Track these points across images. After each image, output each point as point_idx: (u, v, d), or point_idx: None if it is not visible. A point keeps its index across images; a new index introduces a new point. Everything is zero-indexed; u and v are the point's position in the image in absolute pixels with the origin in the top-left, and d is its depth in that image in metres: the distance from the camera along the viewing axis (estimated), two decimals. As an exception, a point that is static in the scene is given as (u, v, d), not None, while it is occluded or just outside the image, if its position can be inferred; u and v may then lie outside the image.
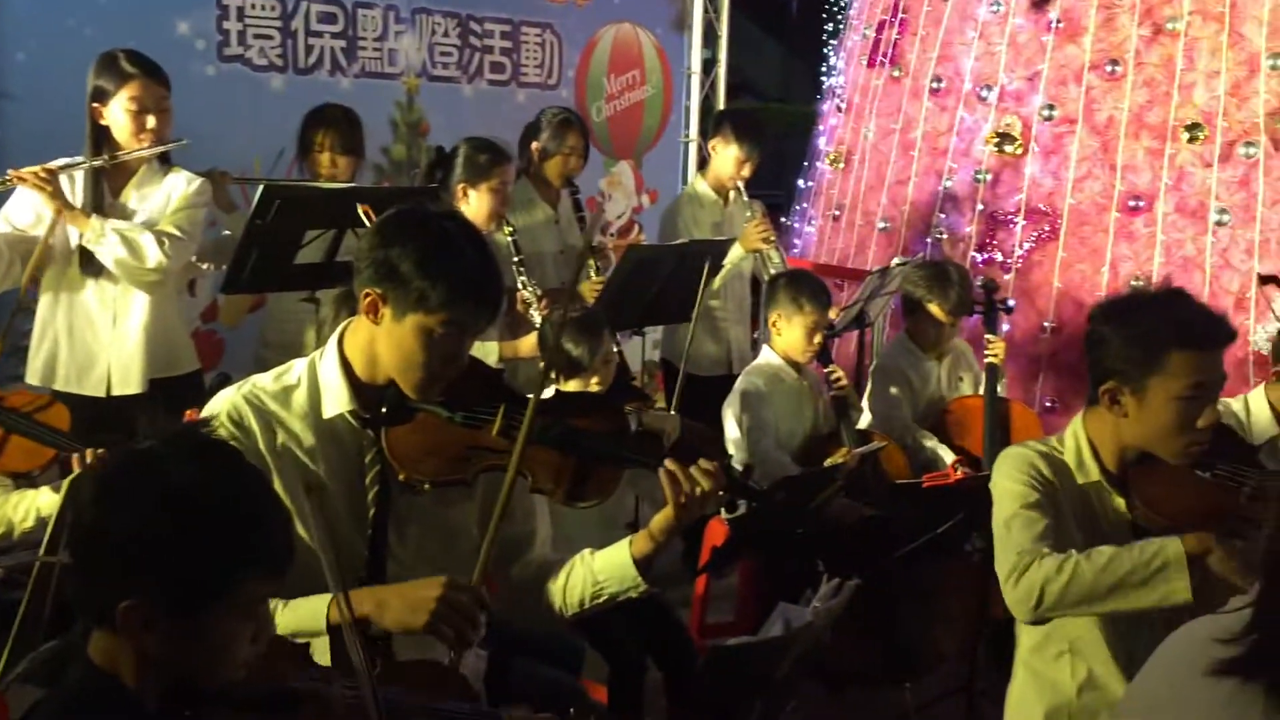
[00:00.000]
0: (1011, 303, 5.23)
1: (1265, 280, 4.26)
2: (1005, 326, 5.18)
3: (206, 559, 1.45)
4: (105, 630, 1.48)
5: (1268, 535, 1.59)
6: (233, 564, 1.47)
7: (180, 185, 3.68)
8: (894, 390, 4.32)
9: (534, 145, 4.61)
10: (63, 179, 3.50)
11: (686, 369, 3.94)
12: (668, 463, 2.07)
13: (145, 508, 1.45)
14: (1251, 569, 1.88)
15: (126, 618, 1.44)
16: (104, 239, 3.47)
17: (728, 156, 4.92)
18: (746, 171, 4.93)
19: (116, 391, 3.65)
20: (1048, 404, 5.20)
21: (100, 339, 3.65)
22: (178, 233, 3.58)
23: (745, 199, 4.98)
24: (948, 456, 4.09)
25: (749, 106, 13.88)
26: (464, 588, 1.98)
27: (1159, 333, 2.25)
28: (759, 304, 5.38)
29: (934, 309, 4.24)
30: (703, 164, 7.06)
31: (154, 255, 3.51)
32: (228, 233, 4.09)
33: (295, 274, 3.67)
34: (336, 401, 2.13)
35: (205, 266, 4.05)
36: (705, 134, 7.11)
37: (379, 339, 2.09)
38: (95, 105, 3.56)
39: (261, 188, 3.51)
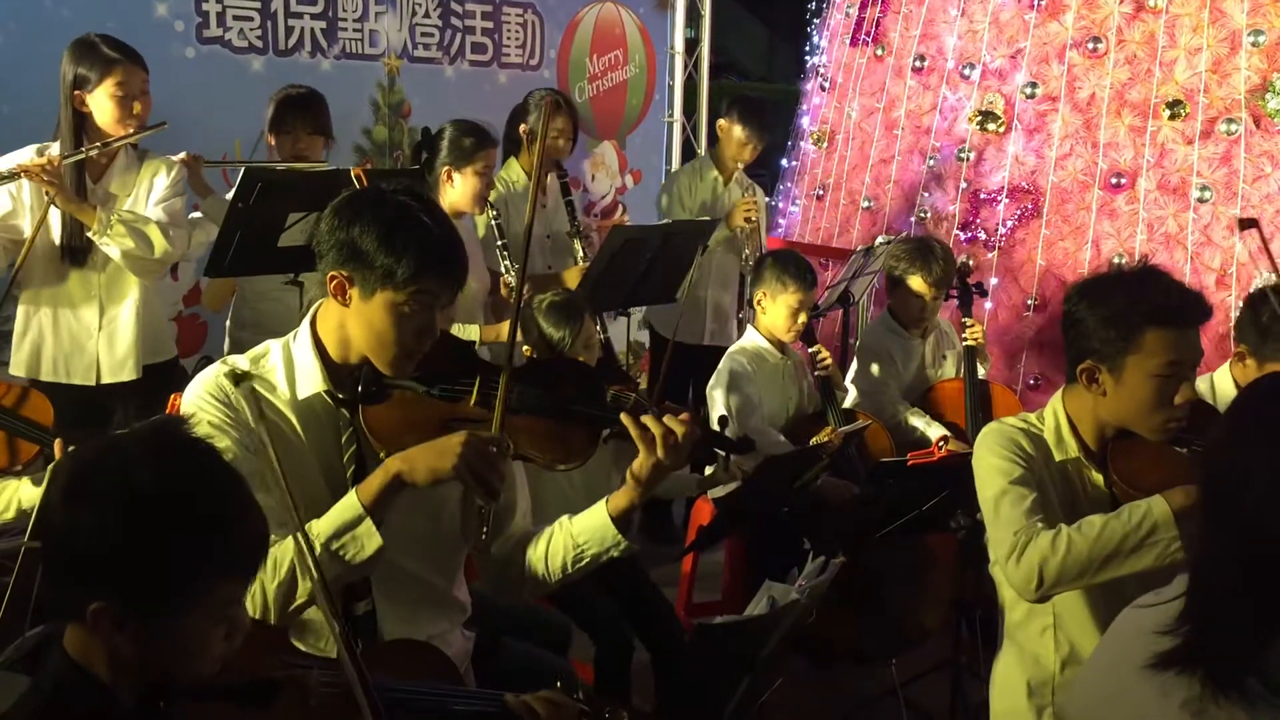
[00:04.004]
0: (994, 280, 5.25)
1: (1245, 224, 4.08)
2: (988, 305, 5.21)
3: (173, 564, 1.43)
4: (79, 624, 1.47)
5: (1195, 530, 1.60)
6: (201, 569, 1.45)
7: (161, 172, 3.66)
8: (877, 369, 4.33)
9: (522, 127, 4.60)
10: None
11: (676, 339, 3.96)
12: (643, 417, 2.09)
13: (111, 512, 1.42)
14: None
15: (96, 619, 1.42)
16: (111, 230, 3.43)
17: (730, 137, 5.16)
18: (747, 155, 5.18)
19: (107, 380, 3.63)
20: (1031, 381, 5.22)
21: (87, 328, 3.63)
22: (169, 220, 3.57)
23: (745, 182, 5.24)
24: (934, 432, 4.11)
25: (732, 86, 13.86)
26: (487, 436, 2.01)
27: (1134, 312, 2.25)
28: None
29: (916, 282, 4.25)
30: (687, 143, 7.13)
31: (160, 243, 3.50)
32: (198, 214, 4.07)
33: (279, 257, 3.66)
34: (311, 382, 2.13)
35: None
36: (688, 114, 7.16)
37: (349, 320, 2.10)
38: (77, 93, 3.51)
39: (243, 171, 3.50)
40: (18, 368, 3.64)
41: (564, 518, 2.23)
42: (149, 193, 3.63)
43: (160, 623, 1.45)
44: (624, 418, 2.08)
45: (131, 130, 3.54)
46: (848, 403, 4.28)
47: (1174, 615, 1.52)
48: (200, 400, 2.09)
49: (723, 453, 2.24)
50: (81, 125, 3.53)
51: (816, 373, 4.07)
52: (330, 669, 1.65)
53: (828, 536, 3.32)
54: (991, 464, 2.35)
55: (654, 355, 4.70)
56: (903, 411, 4.22)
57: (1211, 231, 4.95)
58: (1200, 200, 4.95)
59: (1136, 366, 2.26)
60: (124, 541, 1.41)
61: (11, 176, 3.36)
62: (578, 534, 2.18)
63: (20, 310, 3.65)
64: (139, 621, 1.44)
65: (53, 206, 3.48)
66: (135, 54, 3.58)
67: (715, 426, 2.19)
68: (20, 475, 2.84)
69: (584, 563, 2.19)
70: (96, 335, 3.63)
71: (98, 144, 3.50)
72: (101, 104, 3.51)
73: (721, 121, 5.22)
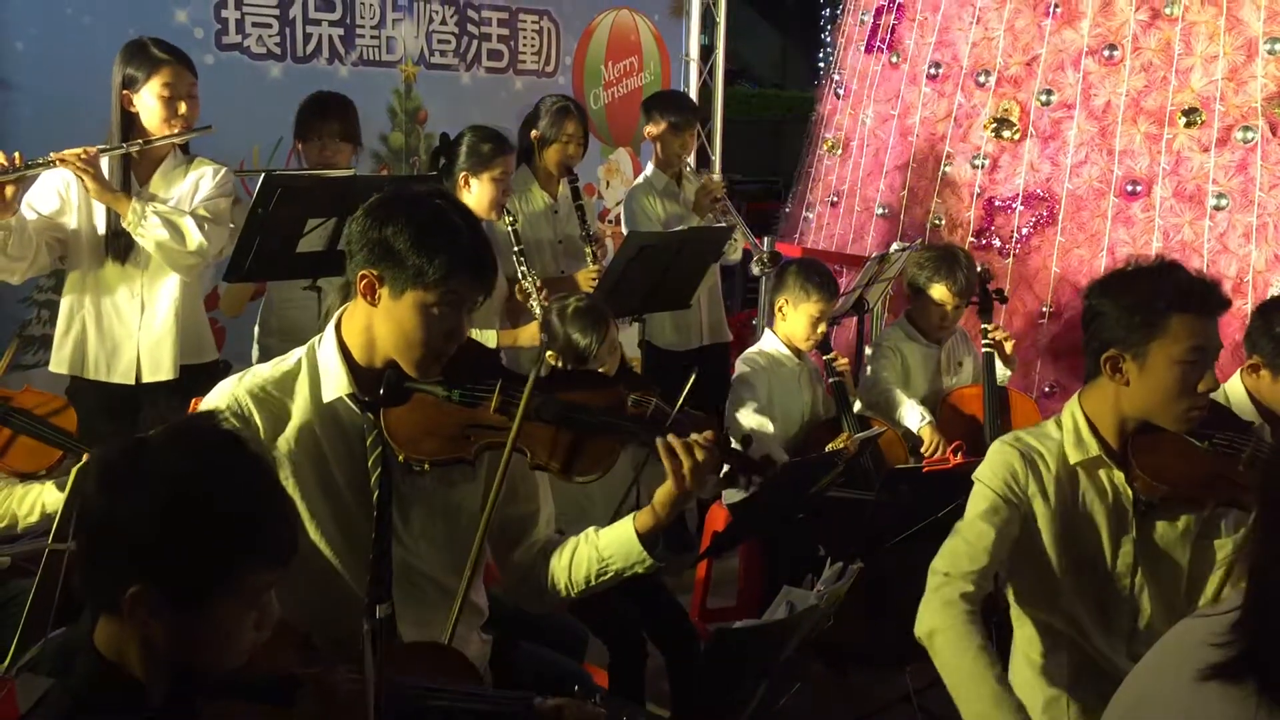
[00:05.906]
0: (1008, 287, 5.24)
1: None
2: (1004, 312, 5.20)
3: (208, 550, 1.47)
4: (112, 617, 1.50)
5: (1251, 536, 1.58)
6: (234, 555, 1.49)
7: (207, 174, 3.66)
8: (877, 366, 4.32)
9: (533, 133, 4.61)
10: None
11: (660, 345, 3.96)
12: (669, 437, 2.09)
13: (148, 498, 1.46)
14: None
15: (132, 605, 1.45)
16: (145, 221, 3.44)
17: (662, 134, 4.97)
18: (689, 141, 5.00)
19: (147, 379, 3.63)
20: (1046, 389, 5.21)
21: (128, 326, 3.63)
22: (211, 217, 3.58)
23: (694, 172, 5.06)
24: (914, 416, 4.10)
25: (745, 92, 13.88)
26: None
27: (1158, 298, 2.28)
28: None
29: (940, 291, 4.24)
30: (701, 150, 7.12)
31: (196, 237, 3.50)
32: (231, 225, 4.09)
33: (298, 262, 3.68)
34: (335, 385, 2.14)
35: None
36: (703, 121, 7.15)
37: (377, 320, 2.10)
38: (125, 93, 3.54)
39: (262, 177, 3.51)
40: (60, 365, 3.64)
41: (590, 530, 2.24)
42: (194, 194, 3.63)
43: (194, 610, 1.48)
44: (659, 444, 2.09)
45: (176, 131, 3.56)
46: (860, 407, 4.27)
47: (1228, 625, 1.49)
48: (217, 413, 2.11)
49: (744, 476, 2.24)
50: (129, 125, 3.56)
51: (831, 379, 4.07)
52: (355, 666, 1.66)
53: (843, 543, 3.32)
54: (978, 488, 2.43)
55: (646, 366, 4.68)
56: (890, 394, 4.18)
57: (1228, 239, 4.94)
58: (1216, 208, 4.94)
59: (1161, 352, 2.28)
60: (163, 530, 1.45)
61: (47, 164, 3.38)
62: (603, 548, 2.19)
63: (64, 307, 3.65)
64: (175, 607, 1.47)
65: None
66: (184, 56, 3.61)
67: (738, 445, 2.18)
68: (44, 480, 2.87)
69: (608, 577, 2.21)
70: (137, 334, 3.63)
71: (139, 141, 3.52)
72: (147, 103, 3.53)
73: (648, 129, 5.02)
